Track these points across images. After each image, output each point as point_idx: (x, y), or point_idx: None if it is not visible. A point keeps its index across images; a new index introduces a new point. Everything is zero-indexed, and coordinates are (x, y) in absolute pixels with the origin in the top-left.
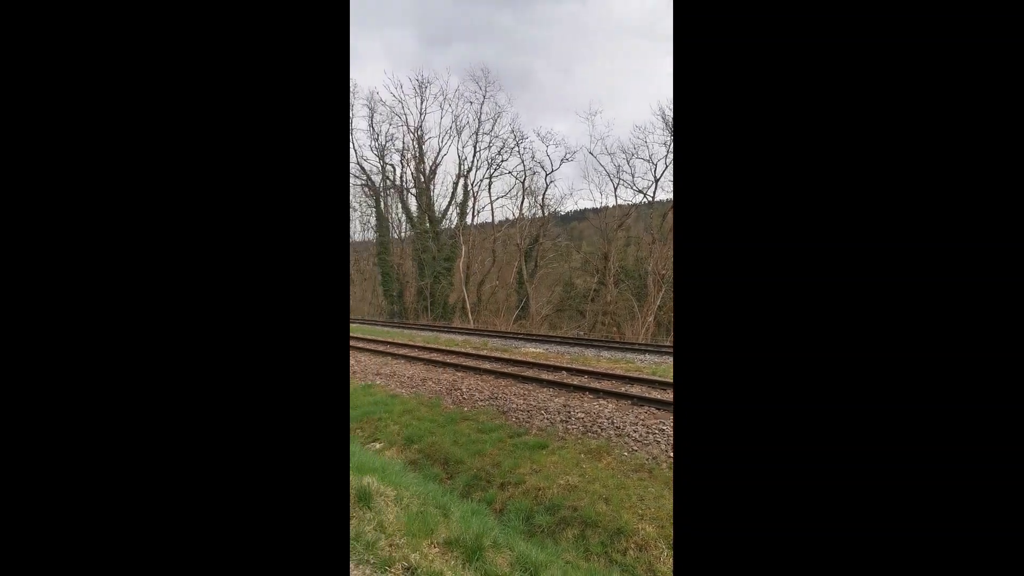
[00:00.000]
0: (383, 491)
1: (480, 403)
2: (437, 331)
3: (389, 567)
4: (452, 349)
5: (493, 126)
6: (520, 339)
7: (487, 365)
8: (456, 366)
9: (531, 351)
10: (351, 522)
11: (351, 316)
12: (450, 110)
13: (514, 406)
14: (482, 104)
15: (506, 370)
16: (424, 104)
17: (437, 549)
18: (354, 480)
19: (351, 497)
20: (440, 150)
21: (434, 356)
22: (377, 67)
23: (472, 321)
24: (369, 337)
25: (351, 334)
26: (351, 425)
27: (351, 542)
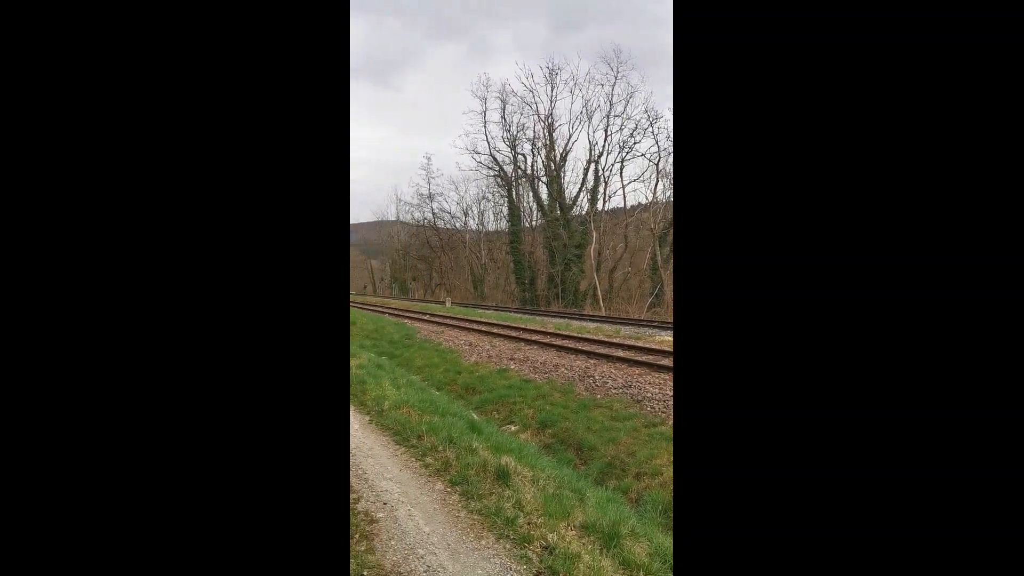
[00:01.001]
0: (520, 471)
1: (613, 391)
2: (568, 318)
3: (528, 544)
4: (584, 336)
5: (625, 107)
6: (654, 327)
7: (620, 353)
8: (588, 353)
9: (666, 339)
10: (491, 498)
11: (484, 303)
12: (580, 95)
13: (649, 395)
14: (613, 86)
15: (640, 358)
16: (554, 91)
17: (574, 532)
18: (492, 458)
19: (491, 473)
20: (571, 136)
21: (566, 343)
22: (508, 59)
23: (603, 308)
24: (503, 323)
25: (486, 320)
26: (487, 407)
27: (492, 516)
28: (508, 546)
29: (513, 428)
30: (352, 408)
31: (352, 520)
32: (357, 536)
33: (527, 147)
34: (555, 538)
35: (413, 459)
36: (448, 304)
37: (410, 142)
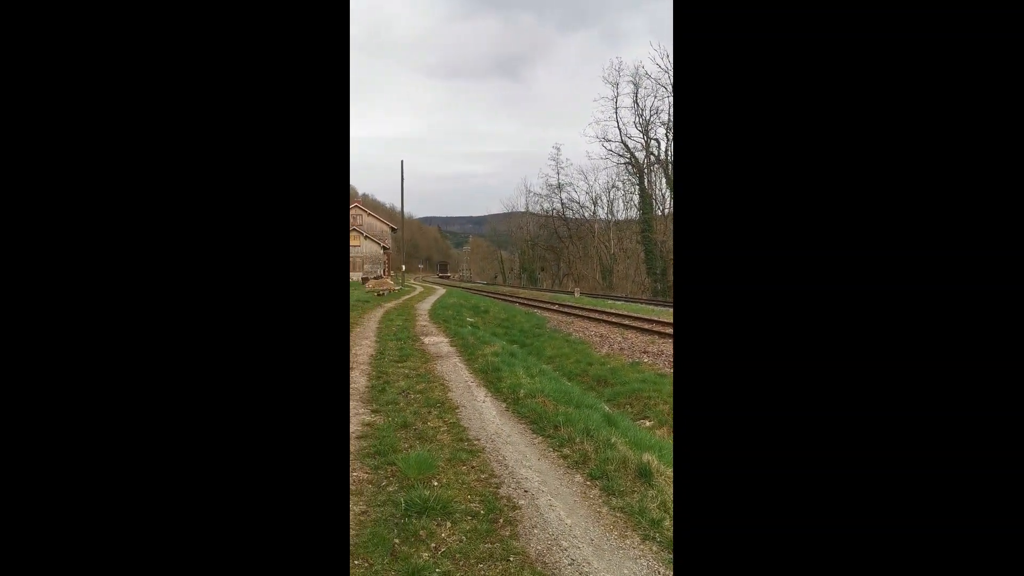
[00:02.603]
0: (663, 471)
1: None
2: None
3: None
4: None
5: None
6: None
7: None
8: None
9: None
10: (633, 496)
11: (613, 293)
12: None
13: None
14: None
15: None
16: None
17: None
18: (633, 455)
19: (632, 470)
20: None
21: None
22: (642, 41)
23: None
24: (634, 315)
25: (616, 311)
26: (619, 400)
27: (636, 516)
28: (655, 549)
29: (648, 423)
30: (488, 395)
31: (495, 504)
32: (501, 521)
33: (660, 131)
34: None
35: (551, 449)
36: (577, 294)
37: (539, 134)
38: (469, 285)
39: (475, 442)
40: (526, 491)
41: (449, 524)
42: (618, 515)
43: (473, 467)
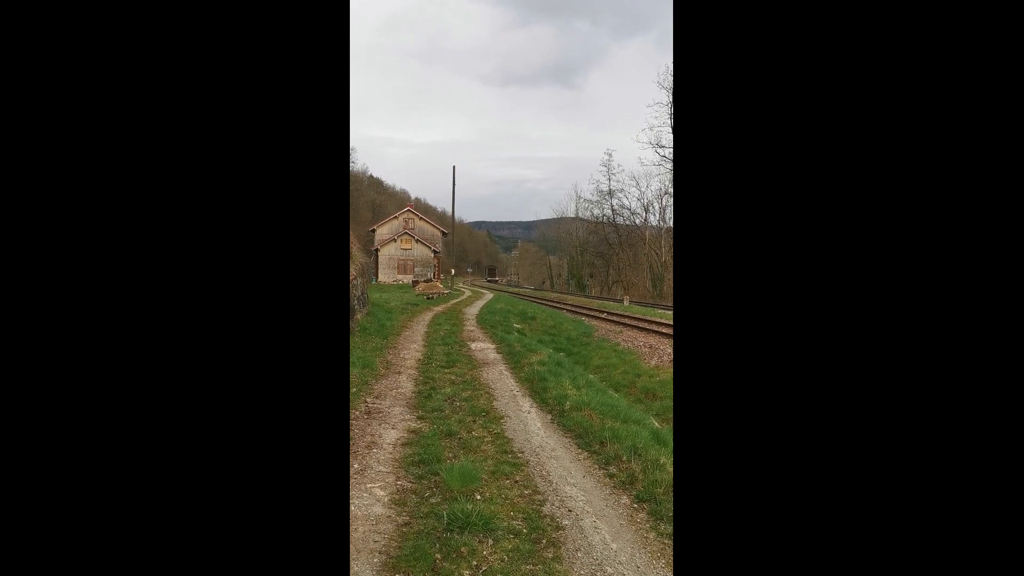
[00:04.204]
0: None
1: None
2: None
3: None
4: None
5: None
6: None
7: None
8: None
9: None
10: None
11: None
12: None
13: None
14: None
15: None
16: None
17: None
18: None
19: None
20: None
21: None
22: None
23: None
24: None
25: (667, 320)
26: (669, 414)
27: None
28: None
29: None
30: (533, 405)
31: (538, 523)
32: (544, 541)
33: None
34: None
35: (596, 466)
36: (626, 303)
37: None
38: (517, 290)
39: (519, 455)
40: (570, 510)
41: (491, 542)
42: (666, 542)
43: (517, 481)
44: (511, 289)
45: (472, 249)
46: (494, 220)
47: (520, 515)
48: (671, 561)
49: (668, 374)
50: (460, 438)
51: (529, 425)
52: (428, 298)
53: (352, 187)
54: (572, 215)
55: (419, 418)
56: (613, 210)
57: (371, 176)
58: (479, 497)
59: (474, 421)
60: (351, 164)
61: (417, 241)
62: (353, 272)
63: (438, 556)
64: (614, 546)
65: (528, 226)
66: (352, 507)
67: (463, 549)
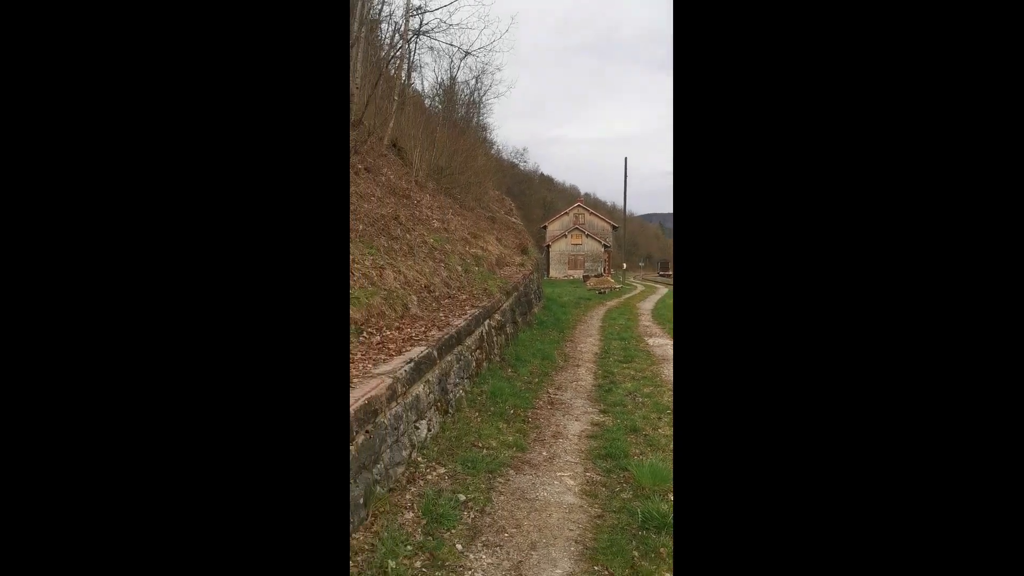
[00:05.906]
0: None
1: None
2: None
3: None
4: None
5: None
6: None
7: None
8: None
9: None
10: None
11: None
12: None
13: None
14: None
15: None
16: None
17: None
18: None
19: None
20: None
21: None
22: None
23: None
24: None
25: None
26: None
27: None
28: None
29: None
30: None
31: None
32: None
33: None
34: None
35: None
36: None
37: None
38: None
39: None
40: None
41: None
42: None
43: None
44: None
45: (643, 243)
46: (666, 212)
47: None
48: None
49: None
50: (646, 435)
51: None
52: (600, 293)
53: (524, 186)
54: None
55: (601, 411)
56: None
57: (542, 174)
58: (672, 499)
59: (659, 418)
60: (523, 163)
61: (587, 236)
62: (529, 268)
63: (635, 554)
64: None
65: None
66: (545, 493)
67: (662, 550)
